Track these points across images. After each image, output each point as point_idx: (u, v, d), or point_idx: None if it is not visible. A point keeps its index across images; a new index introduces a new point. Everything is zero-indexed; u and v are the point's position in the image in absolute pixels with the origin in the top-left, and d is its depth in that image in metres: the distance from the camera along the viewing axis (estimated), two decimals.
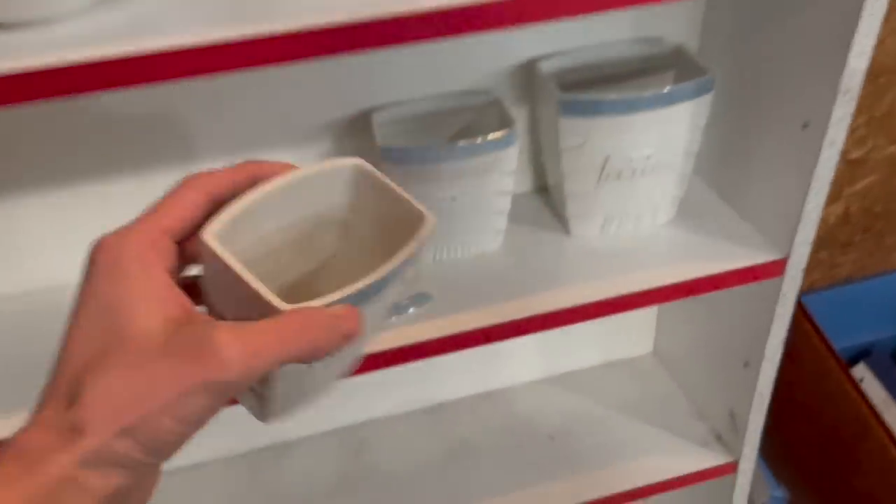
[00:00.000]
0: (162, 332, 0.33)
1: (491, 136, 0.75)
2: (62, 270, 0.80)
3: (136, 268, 0.34)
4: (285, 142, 0.82)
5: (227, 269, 0.36)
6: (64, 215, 0.80)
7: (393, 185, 0.42)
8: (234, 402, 0.39)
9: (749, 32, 0.80)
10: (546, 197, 0.93)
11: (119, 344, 0.33)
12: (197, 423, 0.34)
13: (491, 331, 0.76)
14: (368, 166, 0.43)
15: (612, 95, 0.74)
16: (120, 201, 0.80)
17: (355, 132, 0.83)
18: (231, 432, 1.03)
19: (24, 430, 0.33)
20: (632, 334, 1.17)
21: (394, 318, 0.75)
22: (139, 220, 0.36)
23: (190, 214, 0.37)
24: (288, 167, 0.40)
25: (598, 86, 0.85)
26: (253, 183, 0.39)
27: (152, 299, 0.34)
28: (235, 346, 0.33)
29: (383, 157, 0.75)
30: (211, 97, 0.77)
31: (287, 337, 0.34)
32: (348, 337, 0.36)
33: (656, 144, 0.78)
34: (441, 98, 0.83)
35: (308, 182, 0.42)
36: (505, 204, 0.81)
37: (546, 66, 0.82)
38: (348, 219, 0.45)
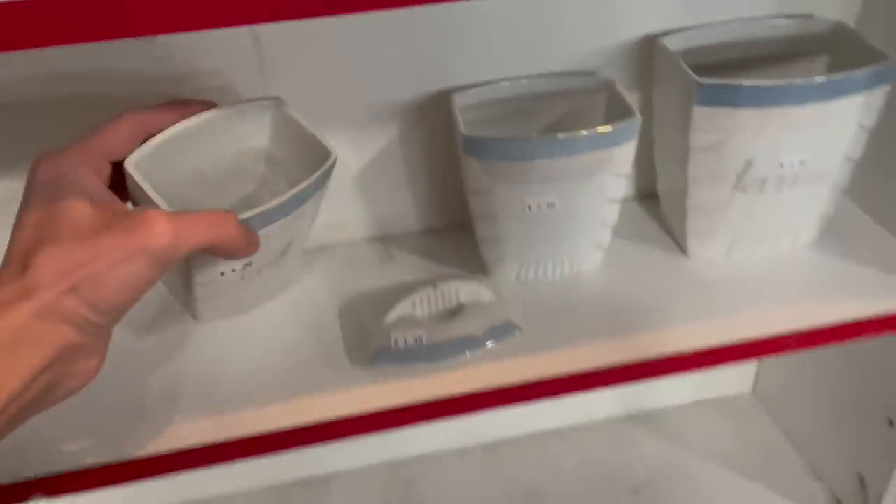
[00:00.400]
0: (100, 218, 0.39)
1: (602, 129, 0.59)
2: None
3: (73, 174, 0.40)
4: (346, 123, 0.66)
5: (138, 187, 0.45)
6: None
7: (305, 123, 0.53)
8: None
9: None
10: (652, 205, 0.76)
11: (62, 226, 0.38)
12: (136, 288, 0.39)
13: (585, 378, 0.60)
14: (285, 104, 0.53)
15: (765, 82, 0.57)
16: None
17: (429, 116, 0.67)
18: (262, 462, 0.88)
19: None
20: (729, 369, 1.00)
21: (468, 354, 0.59)
22: (78, 141, 0.43)
23: (124, 142, 0.45)
24: (212, 105, 0.49)
25: (732, 72, 0.68)
26: (181, 119, 0.47)
27: (88, 196, 0.40)
28: (166, 222, 0.39)
29: (466, 148, 0.60)
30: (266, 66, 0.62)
31: (207, 225, 0.42)
32: (250, 247, 0.46)
33: (813, 148, 0.61)
34: (537, 79, 0.67)
35: (229, 117, 0.51)
36: (612, 214, 0.65)
37: (671, 44, 0.65)
38: (272, 152, 0.55)
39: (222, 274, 0.53)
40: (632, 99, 0.69)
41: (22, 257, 0.37)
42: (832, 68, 0.68)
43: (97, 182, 0.41)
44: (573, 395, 0.60)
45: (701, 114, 0.60)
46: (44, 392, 0.38)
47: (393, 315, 0.61)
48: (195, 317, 0.62)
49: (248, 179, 0.57)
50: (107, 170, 0.44)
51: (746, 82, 0.58)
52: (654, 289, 0.67)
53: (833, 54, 0.68)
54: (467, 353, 0.59)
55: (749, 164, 0.62)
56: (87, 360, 0.40)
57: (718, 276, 0.68)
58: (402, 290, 0.63)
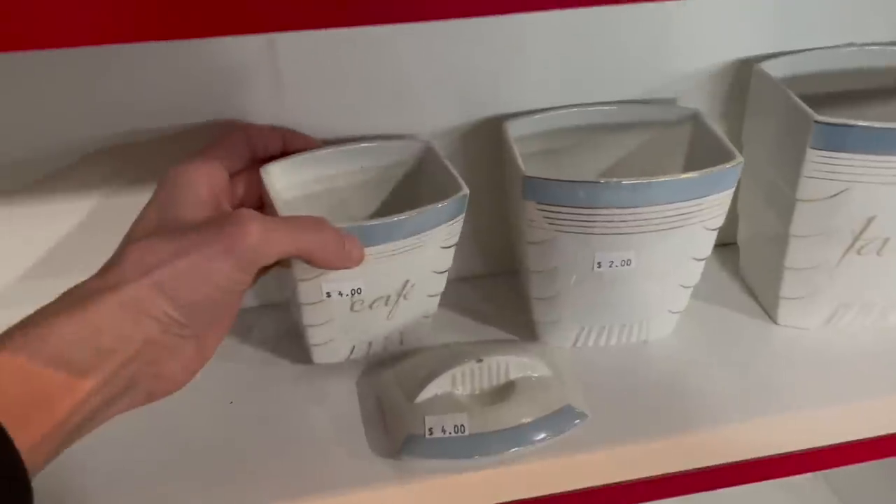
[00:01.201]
0: (198, 219, 0.40)
1: (699, 172, 0.47)
2: None
3: (185, 178, 0.42)
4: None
5: (266, 192, 0.48)
6: None
7: (445, 161, 0.51)
8: None
9: None
10: (729, 257, 0.64)
11: (162, 223, 0.40)
12: (217, 287, 0.38)
13: (661, 483, 0.48)
14: (431, 144, 0.53)
15: None
16: None
17: (474, 145, 0.56)
18: None
19: (76, 286, 0.37)
20: None
21: (519, 448, 0.48)
22: (199, 153, 0.45)
23: (236, 156, 0.48)
24: (314, 144, 0.52)
25: (845, 107, 0.57)
26: (283, 146, 0.51)
27: (197, 203, 0.41)
28: (254, 223, 0.39)
29: (526, 191, 0.48)
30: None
31: (299, 230, 0.42)
32: (349, 258, 0.45)
33: None
34: (605, 107, 0.55)
35: (369, 150, 0.53)
36: (695, 274, 0.53)
37: (773, 70, 0.54)
38: (403, 179, 0.55)
39: (328, 295, 0.48)
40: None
41: (120, 250, 0.39)
42: None
43: (205, 187, 0.42)
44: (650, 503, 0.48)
45: (816, 158, 0.48)
46: (125, 389, 0.37)
47: (428, 393, 0.49)
48: (311, 358, 0.55)
49: (386, 197, 0.56)
50: (222, 177, 0.45)
51: (877, 124, 0.47)
52: (737, 365, 0.55)
53: None
54: (518, 447, 0.48)
55: (869, 221, 0.50)
56: (171, 362, 0.39)
57: (816, 352, 0.56)
58: (438, 360, 0.51)
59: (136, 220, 0.41)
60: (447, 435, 0.47)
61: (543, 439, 0.48)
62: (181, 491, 0.47)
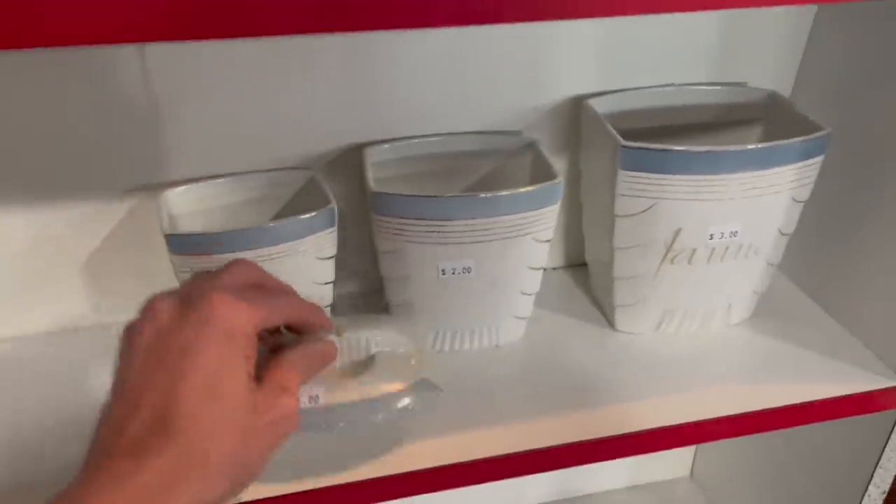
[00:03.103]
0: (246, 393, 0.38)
1: (523, 189, 0.55)
2: None
3: (241, 345, 0.39)
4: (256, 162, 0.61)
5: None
6: None
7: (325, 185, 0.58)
8: None
9: (862, 86, 0.61)
10: (582, 276, 0.72)
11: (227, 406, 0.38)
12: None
13: (502, 462, 0.54)
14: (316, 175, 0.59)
15: (695, 147, 0.54)
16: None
17: (341, 171, 0.63)
18: None
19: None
20: (666, 453, 0.94)
21: (380, 416, 0.51)
22: (256, 307, 0.39)
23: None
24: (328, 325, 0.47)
25: (664, 138, 0.65)
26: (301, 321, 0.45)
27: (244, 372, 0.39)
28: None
29: (374, 205, 0.55)
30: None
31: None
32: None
33: (744, 219, 0.58)
34: (457, 137, 0.63)
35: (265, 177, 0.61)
36: (534, 282, 0.60)
37: (598, 106, 0.62)
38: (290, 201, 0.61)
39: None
40: (560, 163, 0.66)
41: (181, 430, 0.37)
42: (766, 137, 0.65)
43: (250, 357, 0.40)
44: (495, 481, 0.54)
45: (626, 178, 0.56)
46: None
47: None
48: None
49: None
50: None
51: (674, 147, 0.55)
52: (579, 365, 0.62)
53: (767, 124, 0.65)
54: (380, 415, 0.50)
55: (677, 233, 0.58)
56: None
57: (647, 353, 0.63)
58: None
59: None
60: (302, 406, 0.50)
61: (399, 411, 0.51)
62: None
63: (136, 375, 0.37)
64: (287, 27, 0.34)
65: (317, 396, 0.49)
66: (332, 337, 0.47)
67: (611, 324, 0.65)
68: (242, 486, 0.39)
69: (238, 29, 0.32)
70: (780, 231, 0.60)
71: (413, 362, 0.52)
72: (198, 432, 0.36)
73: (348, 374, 0.51)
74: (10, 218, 0.59)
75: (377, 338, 0.52)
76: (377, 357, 0.52)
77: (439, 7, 0.34)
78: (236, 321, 0.38)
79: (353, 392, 0.50)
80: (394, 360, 0.52)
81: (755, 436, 0.62)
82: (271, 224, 0.53)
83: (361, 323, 0.53)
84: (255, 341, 0.39)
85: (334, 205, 0.55)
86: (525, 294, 0.61)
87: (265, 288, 0.42)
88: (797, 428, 0.61)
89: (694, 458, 0.95)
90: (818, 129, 0.57)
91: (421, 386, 0.52)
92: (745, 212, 0.57)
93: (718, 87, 0.65)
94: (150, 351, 0.37)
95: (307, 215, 0.54)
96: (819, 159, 0.58)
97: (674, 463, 0.95)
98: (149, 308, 0.38)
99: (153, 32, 0.31)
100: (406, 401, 0.51)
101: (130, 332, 0.38)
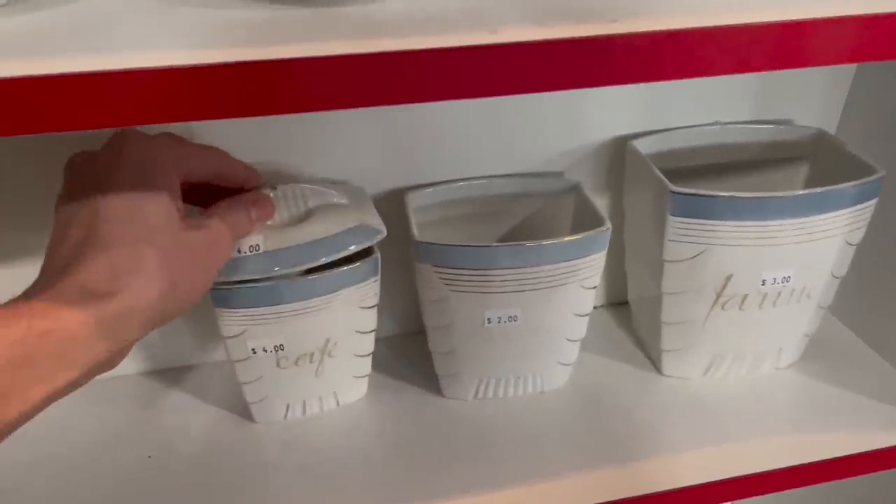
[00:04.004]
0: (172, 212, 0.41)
1: (569, 238, 0.53)
2: None
3: (162, 174, 0.41)
4: None
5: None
6: None
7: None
8: None
9: None
10: (623, 316, 0.70)
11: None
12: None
13: None
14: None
15: (746, 194, 0.53)
16: None
17: (382, 213, 0.62)
18: None
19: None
20: None
21: (322, 258, 0.50)
22: (175, 143, 0.44)
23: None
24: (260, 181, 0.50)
25: (709, 178, 0.64)
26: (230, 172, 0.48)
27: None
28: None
29: (419, 254, 0.54)
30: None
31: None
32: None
33: (797, 264, 0.56)
34: (498, 180, 0.62)
35: None
36: (580, 329, 0.59)
37: (643, 147, 0.61)
38: None
39: (254, 351, 0.53)
40: (601, 203, 0.65)
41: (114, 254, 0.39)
42: (813, 177, 0.64)
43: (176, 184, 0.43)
44: None
45: (675, 224, 0.55)
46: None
47: None
48: (252, 417, 0.59)
49: None
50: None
51: (724, 193, 0.53)
52: (625, 412, 0.60)
53: (814, 163, 0.64)
54: (319, 258, 0.50)
55: (728, 279, 0.56)
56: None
57: (695, 399, 0.61)
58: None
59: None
60: (242, 254, 0.49)
61: (339, 251, 0.51)
62: None
63: (63, 210, 0.39)
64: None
65: (257, 245, 0.49)
66: (267, 191, 0.50)
67: (657, 368, 0.64)
68: (179, 306, 0.40)
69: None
70: (832, 274, 0.59)
71: (351, 212, 0.53)
72: (122, 243, 0.38)
73: (287, 225, 0.51)
74: None
75: (311, 189, 0.53)
76: (315, 209, 0.52)
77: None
78: (155, 151, 0.41)
79: (293, 238, 0.50)
80: (331, 209, 0.52)
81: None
82: (314, 277, 0.52)
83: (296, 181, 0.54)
84: (176, 180, 0.42)
85: (378, 254, 0.54)
86: (570, 340, 0.59)
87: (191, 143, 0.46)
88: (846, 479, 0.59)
89: None
90: (870, 169, 0.56)
91: (361, 228, 0.52)
92: (797, 256, 0.56)
93: (764, 126, 0.64)
94: (72, 189, 0.40)
95: (350, 266, 0.53)
96: (873, 202, 0.56)
97: None
98: (68, 163, 0.42)
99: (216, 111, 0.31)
100: (346, 240, 0.51)
101: (59, 197, 0.41)
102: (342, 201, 0.54)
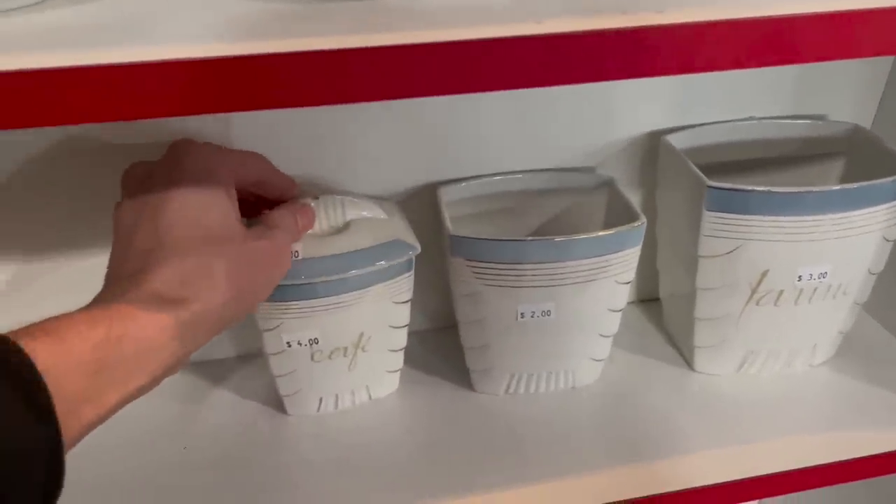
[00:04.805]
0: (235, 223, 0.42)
1: (604, 233, 0.53)
2: None
3: (222, 181, 0.42)
4: None
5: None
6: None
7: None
8: None
9: None
10: (655, 312, 0.70)
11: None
12: None
13: None
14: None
15: (782, 189, 0.52)
16: None
17: (416, 211, 0.62)
18: None
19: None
20: None
21: (354, 271, 0.52)
22: (228, 152, 0.45)
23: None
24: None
25: (744, 173, 0.64)
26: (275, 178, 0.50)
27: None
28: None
29: (453, 248, 0.54)
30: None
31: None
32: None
33: (834, 260, 0.56)
34: (531, 175, 0.62)
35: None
36: (613, 324, 0.59)
37: (676, 142, 0.60)
38: None
39: (289, 345, 0.54)
40: (634, 198, 0.64)
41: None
42: (849, 172, 0.63)
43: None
44: None
45: (711, 219, 0.54)
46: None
47: None
48: (285, 410, 0.60)
49: None
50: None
51: (760, 187, 0.53)
52: (657, 409, 0.60)
53: (850, 158, 0.63)
54: (352, 270, 0.52)
55: (764, 275, 0.56)
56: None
57: (727, 396, 0.61)
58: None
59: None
60: None
61: (373, 264, 0.52)
62: None
63: (125, 219, 0.40)
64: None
65: (296, 252, 0.51)
66: (309, 200, 0.52)
67: (689, 364, 0.64)
68: (239, 314, 0.41)
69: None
70: (869, 270, 0.58)
71: (386, 227, 0.54)
72: (190, 252, 0.38)
73: (325, 235, 0.53)
74: None
75: (352, 206, 0.55)
76: (352, 222, 0.54)
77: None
78: (211, 160, 0.42)
79: (330, 247, 0.52)
80: (368, 222, 0.54)
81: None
82: (352, 273, 0.52)
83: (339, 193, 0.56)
84: (233, 188, 0.43)
85: (412, 251, 0.54)
86: (603, 336, 0.59)
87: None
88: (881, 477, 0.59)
89: None
90: None
91: (395, 243, 0.53)
92: (834, 252, 0.55)
93: (799, 121, 0.63)
94: (133, 198, 0.41)
95: (385, 262, 0.53)
96: None
97: None
98: (125, 174, 0.43)
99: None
100: (381, 254, 0.53)
101: (118, 207, 0.42)
102: (379, 215, 0.55)
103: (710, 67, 0.34)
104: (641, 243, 0.55)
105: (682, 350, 0.65)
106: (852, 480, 0.57)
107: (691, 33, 0.33)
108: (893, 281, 0.64)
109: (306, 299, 0.52)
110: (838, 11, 0.34)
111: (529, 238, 0.53)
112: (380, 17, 0.34)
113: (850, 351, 0.64)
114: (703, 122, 0.63)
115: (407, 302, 0.57)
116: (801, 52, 0.34)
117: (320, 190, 0.58)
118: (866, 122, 0.67)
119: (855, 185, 0.53)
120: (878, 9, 0.34)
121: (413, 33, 0.32)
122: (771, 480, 0.55)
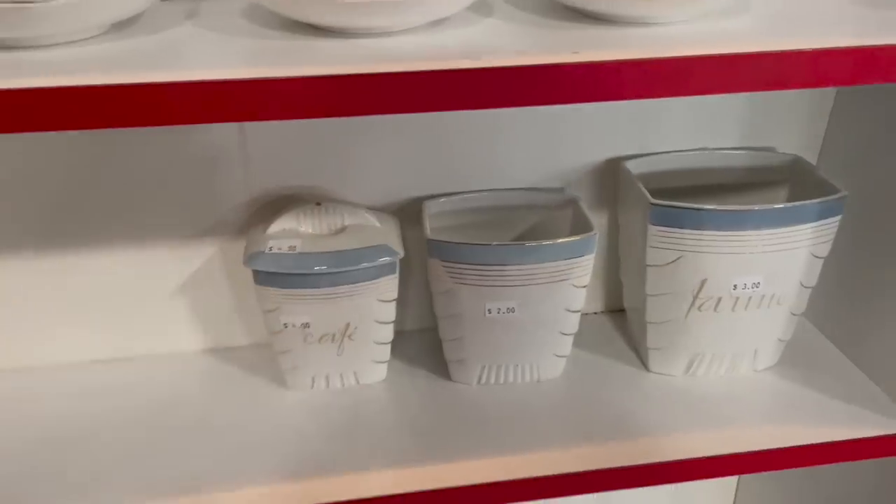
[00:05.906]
0: None
1: (563, 240, 0.62)
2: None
3: None
4: None
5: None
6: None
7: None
8: None
9: (882, 153, 0.66)
10: (620, 321, 0.78)
11: None
12: None
13: (542, 483, 0.60)
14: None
15: (716, 206, 0.61)
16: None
17: (404, 218, 0.71)
18: None
19: None
20: (708, 490, 0.98)
21: (345, 267, 0.62)
22: None
23: None
24: None
25: (695, 197, 0.72)
26: None
27: None
28: None
29: (430, 250, 0.63)
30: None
31: None
32: None
33: (767, 272, 0.63)
34: (506, 192, 0.70)
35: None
36: (572, 324, 0.67)
37: (633, 167, 0.69)
38: None
39: (285, 326, 0.63)
40: (600, 218, 0.73)
41: None
42: (791, 198, 0.71)
43: None
44: (534, 500, 0.60)
45: (655, 232, 0.63)
46: None
47: (277, 227, 0.64)
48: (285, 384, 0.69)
49: None
50: None
51: (694, 205, 0.61)
52: (614, 400, 0.68)
53: (792, 186, 0.71)
54: (343, 267, 0.61)
55: (703, 283, 0.64)
56: None
57: (678, 392, 0.68)
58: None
59: None
60: (281, 251, 0.61)
61: (358, 265, 0.61)
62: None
63: None
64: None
65: (294, 247, 0.62)
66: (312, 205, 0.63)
67: (645, 365, 0.71)
68: None
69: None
70: (801, 283, 0.65)
71: (378, 233, 0.64)
72: None
73: (324, 235, 0.64)
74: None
75: (352, 213, 0.65)
76: (349, 227, 0.64)
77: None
78: None
79: (324, 246, 0.62)
80: (362, 228, 0.65)
81: (797, 478, 0.66)
82: (339, 270, 0.61)
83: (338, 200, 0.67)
84: None
85: (395, 255, 0.63)
86: (564, 334, 0.67)
87: None
88: (835, 470, 0.65)
89: (735, 499, 0.99)
90: (837, 191, 0.63)
91: (382, 247, 0.63)
92: (766, 265, 0.63)
93: (746, 152, 0.72)
94: None
95: (368, 263, 0.62)
96: (837, 219, 0.63)
97: (716, 501, 0.99)
98: None
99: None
100: (367, 255, 0.62)
101: None
102: (374, 223, 0.65)
103: (614, 97, 0.43)
104: (595, 251, 0.63)
105: (639, 352, 0.72)
106: (787, 468, 0.64)
107: (598, 69, 0.42)
108: (832, 294, 0.71)
109: (300, 288, 0.61)
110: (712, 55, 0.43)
111: (495, 243, 0.61)
112: (359, 51, 0.44)
113: (792, 358, 0.71)
114: (661, 150, 0.72)
115: (392, 301, 0.65)
116: (687, 86, 0.43)
117: (323, 198, 0.68)
118: (813, 153, 0.75)
119: (780, 205, 0.61)
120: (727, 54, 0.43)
121: (383, 64, 0.41)
122: (711, 462, 0.63)
